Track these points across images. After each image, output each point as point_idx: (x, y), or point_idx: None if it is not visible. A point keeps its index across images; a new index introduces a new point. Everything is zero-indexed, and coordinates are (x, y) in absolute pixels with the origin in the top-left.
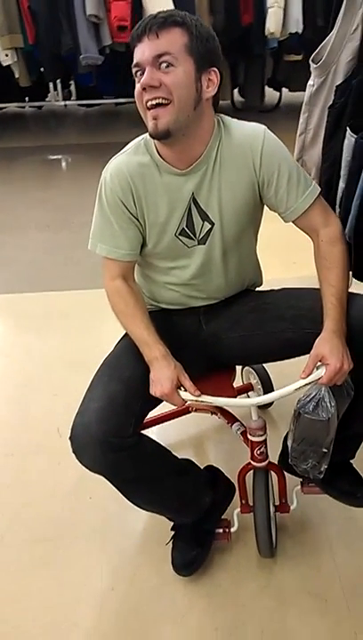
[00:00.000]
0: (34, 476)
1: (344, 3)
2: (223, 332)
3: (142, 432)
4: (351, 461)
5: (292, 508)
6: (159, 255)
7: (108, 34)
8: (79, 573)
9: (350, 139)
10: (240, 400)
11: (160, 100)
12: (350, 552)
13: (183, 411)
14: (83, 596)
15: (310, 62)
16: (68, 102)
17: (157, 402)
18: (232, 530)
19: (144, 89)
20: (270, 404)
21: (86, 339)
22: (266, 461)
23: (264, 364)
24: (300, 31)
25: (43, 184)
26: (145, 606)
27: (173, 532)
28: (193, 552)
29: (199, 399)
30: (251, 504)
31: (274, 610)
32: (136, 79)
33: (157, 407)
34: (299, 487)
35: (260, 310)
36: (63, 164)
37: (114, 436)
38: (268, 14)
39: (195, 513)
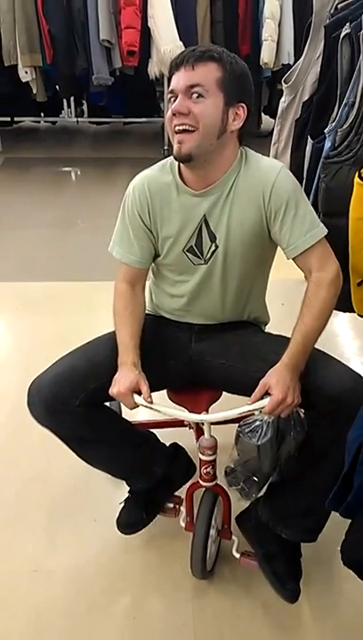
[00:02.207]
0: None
1: (310, 34)
2: (209, 355)
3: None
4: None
5: (234, 538)
6: (168, 267)
7: (119, 57)
8: None
9: (309, 144)
10: (184, 413)
11: (187, 127)
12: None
13: (178, 422)
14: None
15: (283, 82)
16: (80, 119)
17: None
18: (182, 509)
19: (174, 114)
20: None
21: (78, 321)
22: (213, 482)
23: None
24: (291, 62)
25: (52, 190)
26: None
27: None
28: (138, 515)
29: (149, 405)
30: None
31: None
32: (169, 104)
33: (154, 415)
34: (238, 555)
35: (248, 346)
36: (72, 174)
37: (59, 403)
38: (263, 46)
39: (145, 481)
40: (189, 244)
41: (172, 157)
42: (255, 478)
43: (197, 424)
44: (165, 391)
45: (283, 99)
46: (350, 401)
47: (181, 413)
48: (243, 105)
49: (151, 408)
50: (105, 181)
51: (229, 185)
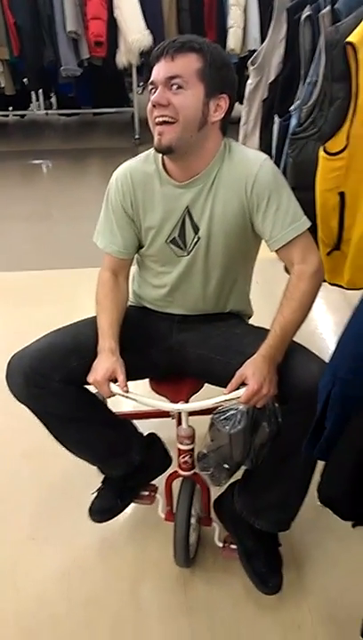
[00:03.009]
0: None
1: (274, 18)
2: (189, 345)
3: (85, 386)
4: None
5: (214, 525)
6: (151, 258)
7: (86, 48)
8: None
9: (277, 123)
10: (160, 403)
11: (167, 119)
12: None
13: (162, 413)
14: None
15: (249, 65)
16: (49, 112)
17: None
18: (158, 496)
19: (154, 106)
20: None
21: (58, 308)
22: (191, 471)
23: None
24: (258, 48)
25: (24, 183)
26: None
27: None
28: (112, 502)
29: (124, 394)
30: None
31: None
32: (150, 95)
33: (139, 406)
34: (221, 544)
35: (227, 337)
36: (44, 166)
37: (39, 375)
38: (229, 33)
39: (122, 467)
40: (173, 235)
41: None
42: (226, 465)
43: (179, 414)
44: (147, 381)
45: (250, 80)
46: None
47: (157, 402)
48: (224, 96)
49: (127, 397)
50: (77, 172)
51: (212, 176)
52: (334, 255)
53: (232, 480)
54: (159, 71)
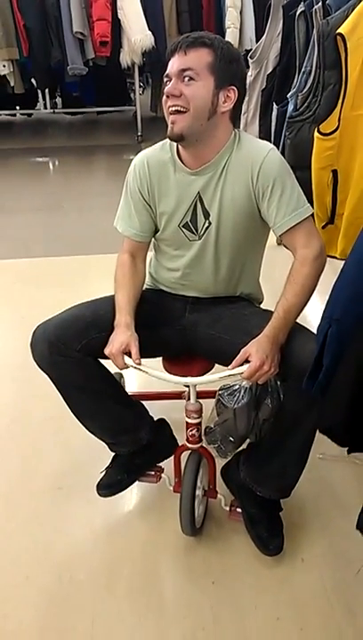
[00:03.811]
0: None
1: (271, 15)
2: (201, 326)
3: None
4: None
5: (219, 497)
6: (165, 242)
7: (92, 48)
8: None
9: (275, 109)
10: (169, 376)
11: (179, 108)
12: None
13: (175, 395)
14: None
15: (249, 58)
16: (55, 110)
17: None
18: (163, 476)
19: (168, 96)
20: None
21: (73, 291)
22: (198, 444)
23: None
24: (253, 47)
25: (34, 178)
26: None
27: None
28: (118, 477)
29: (137, 367)
30: None
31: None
32: (164, 87)
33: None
34: (227, 508)
35: (236, 318)
36: (51, 162)
37: (62, 343)
38: (226, 33)
39: (130, 443)
40: (185, 219)
41: None
42: (231, 438)
43: (188, 391)
44: (160, 359)
45: (249, 72)
46: None
47: (166, 375)
48: (234, 88)
49: (139, 369)
50: (83, 167)
51: (222, 164)
52: (328, 229)
53: (237, 451)
54: (173, 64)
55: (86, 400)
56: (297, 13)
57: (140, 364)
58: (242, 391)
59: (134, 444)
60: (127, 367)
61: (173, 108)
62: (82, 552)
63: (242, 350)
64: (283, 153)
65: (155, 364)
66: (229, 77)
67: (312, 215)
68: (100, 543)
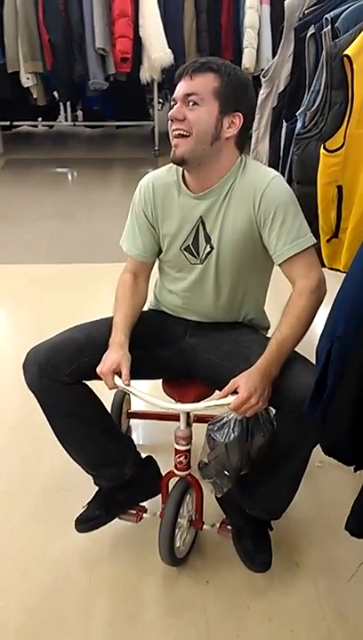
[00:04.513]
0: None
1: (283, 36)
2: (200, 350)
3: (93, 394)
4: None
5: (205, 527)
6: (168, 264)
7: (113, 64)
8: None
9: (284, 127)
10: (155, 400)
11: (182, 132)
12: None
13: (172, 416)
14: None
15: (261, 77)
16: (75, 123)
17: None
18: (145, 516)
19: (172, 120)
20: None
21: (79, 296)
22: (186, 472)
23: None
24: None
25: (53, 187)
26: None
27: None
28: (96, 512)
29: (126, 388)
30: None
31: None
32: (170, 110)
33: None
34: (217, 525)
35: (236, 344)
36: (70, 173)
37: (52, 367)
38: (244, 53)
39: (112, 478)
40: (186, 243)
41: None
42: (226, 472)
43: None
44: (160, 381)
45: (261, 91)
46: None
47: (153, 399)
48: (239, 114)
49: (127, 390)
50: (100, 179)
51: (225, 189)
52: (332, 242)
53: None
54: (179, 88)
55: (72, 427)
56: (308, 35)
57: (128, 384)
58: (232, 424)
59: (116, 479)
60: (117, 387)
61: (176, 132)
62: (79, 550)
63: (232, 380)
64: (291, 169)
65: (155, 386)
66: (235, 103)
67: (314, 246)
68: (97, 542)
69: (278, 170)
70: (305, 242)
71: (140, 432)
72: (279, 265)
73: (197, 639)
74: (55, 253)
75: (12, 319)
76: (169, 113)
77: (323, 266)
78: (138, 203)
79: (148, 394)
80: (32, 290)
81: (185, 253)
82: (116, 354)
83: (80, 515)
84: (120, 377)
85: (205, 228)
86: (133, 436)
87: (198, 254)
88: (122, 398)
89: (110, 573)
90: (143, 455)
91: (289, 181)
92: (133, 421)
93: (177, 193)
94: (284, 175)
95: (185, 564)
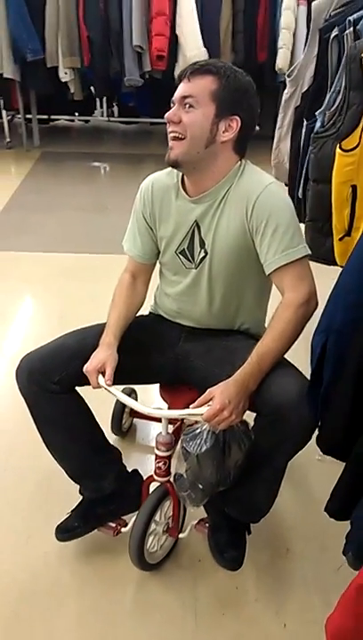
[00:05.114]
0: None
1: (309, 37)
2: (193, 356)
3: (83, 400)
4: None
5: (181, 536)
6: (166, 266)
7: (149, 62)
8: None
9: (304, 125)
10: (131, 401)
11: (177, 134)
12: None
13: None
14: None
15: (286, 77)
16: (111, 119)
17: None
18: (124, 530)
19: (168, 122)
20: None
21: (106, 286)
22: (164, 478)
23: None
24: None
25: (86, 180)
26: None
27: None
28: (75, 523)
29: (107, 387)
30: None
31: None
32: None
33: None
34: (195, 522)
35: (228, 351)
36: (103, 166)
37: (41, 374)
38: (278, 53)
39: (92, 490)
40: (182, 246)
41: None
42: (200, 486)
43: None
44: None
45: (286, 90)
46: (291, 413)
47: (132, 402)
48: (236, 117)
49: (109, 391)
50: (132, 174)
51: (221, 194)
52: (345, 240)
53: None
54: (178, 90)
55: (56, 435)
56: (331, 37)
57: (110, 385)
58: (205, 435)
59: (96, 492)
60: (100, 387)
61: (172, 135)
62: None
63: (208, 390)
64: (308, 166)
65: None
66: (233, 106)
67: (306, 257)
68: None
69: (296, 168)
70: (296, 252)
71: (143, 431)
72: (269, 275)
73: (184, 614)
74: (86, 244)
75: (41, 305)
76: (165, 115)
77: (334, 264)
78: (138, 204)
79: (122, 395)
80: (61, 278)
81: (180, 257)
82: (103, 353)
83: (61, 523)
84: (104, 377)
85: (200, 233)
86: (135, 436)
87: (193, 259)
88: None
89: (106, 560)
90: (130, 469)
91: (306, 180)
92: (136, 421)
93: (175, 196)
94: (301, 173)
95: (180, 542)
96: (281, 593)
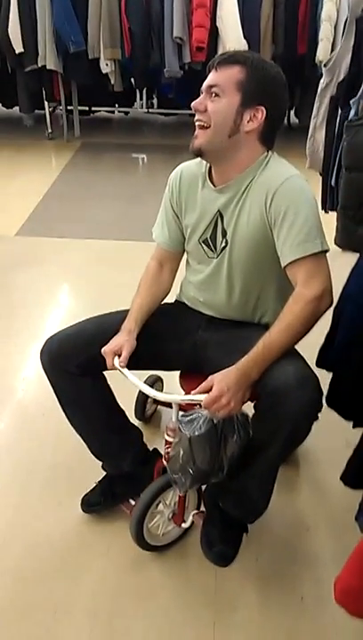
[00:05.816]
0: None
1: (346, 27)
2: (211, 346)
3: (104, 383)
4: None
5: (183, 526)
6: (190, 255)
7: (189, 53)
8: None
9: (339, 114)
10: (140, 383)
11: (202, 123)
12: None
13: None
14: None
15: (323, 66)
16: (150, 110)
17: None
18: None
19: (195, 110)
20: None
21: (140, 272)
22: None
23: None
24: None
25: (124, 170)
26: None
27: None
28: (98, 498)
29: (120, 368)
30: None
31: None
32: None
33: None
34: (196, 511)
35: (245, 344)
36: (141, 157)
37: (61, 357)
38: (319, 46)
39: (111, 467)
40: (205, 235)
41: None
42: (190, 470)
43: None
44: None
45: (322, 80)
46: (288, 399)
47: (139, 383)
48: (262, 108)
49: (121, 371)
50: (170, 165)
51: (244, 185)
52: None
53: None
54: (207, 80)
55: (76, 415)
56: None
57: (123, 367)
58: (201, 420)
59: (114, 470)
60: (115, 368)
61: (198, 123)
62: (76, 531)
63: (209, 377)
64: (341, 155)
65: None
66: (259, 97)
67: (324, 253)
68: (92, 524)
69: (330, 157)
70: (312, 247)
71: (167, 419)
72: (284, 268)
73: (207, 580)
74: (122, 232)
75: (77, 290)
76: (192, 103)
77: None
78: (167, 192)
79: (135, 378)
80: (98, 264)
81: (203, 246)
82: (122, 338)
83: (86, 495)
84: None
85: (222, 222)
86: (160, 422)
87: (215, 248)
88: (150, 385)
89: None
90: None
91: (339, 168)
92: (160, 408)
93: (201, 185)
94: (335, 162)
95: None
96: (299, 568)
